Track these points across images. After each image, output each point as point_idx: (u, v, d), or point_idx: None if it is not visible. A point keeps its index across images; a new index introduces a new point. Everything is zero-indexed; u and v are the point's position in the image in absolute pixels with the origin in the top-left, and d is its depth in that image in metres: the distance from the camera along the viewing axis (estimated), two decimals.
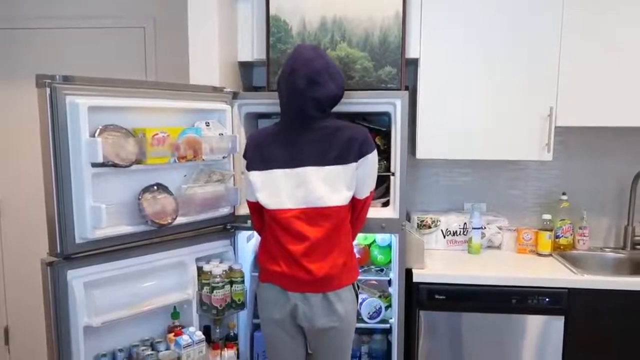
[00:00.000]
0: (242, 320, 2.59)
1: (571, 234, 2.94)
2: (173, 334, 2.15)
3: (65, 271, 1.87)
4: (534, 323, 2.50)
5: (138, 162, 1.96)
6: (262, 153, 2.11)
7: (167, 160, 2.04)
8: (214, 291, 2.25)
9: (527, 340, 2.52)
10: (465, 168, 3.10)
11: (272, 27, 2.62)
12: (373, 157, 2.11)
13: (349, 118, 2.33)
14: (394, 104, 2.36)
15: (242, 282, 2.35)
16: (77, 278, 1.89)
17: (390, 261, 2.63)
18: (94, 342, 1.98)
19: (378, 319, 2.62)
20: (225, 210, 2.37)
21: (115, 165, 1.88)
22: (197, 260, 2.28)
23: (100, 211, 1.84)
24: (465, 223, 2.93)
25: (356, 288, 2.18)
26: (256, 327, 2.73)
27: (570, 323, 2.48)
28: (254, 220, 2.29)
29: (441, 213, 3.01)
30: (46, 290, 1.86)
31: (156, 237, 2.10)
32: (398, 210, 2.42)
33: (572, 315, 2.48)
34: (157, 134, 1.98)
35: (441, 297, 2.53)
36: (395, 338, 2.49)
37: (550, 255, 2.83)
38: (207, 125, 2.26)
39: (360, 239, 2.72)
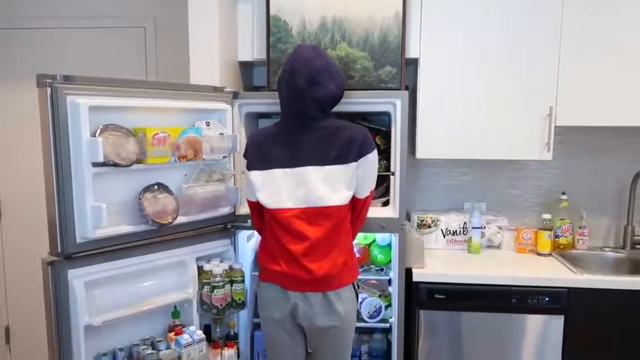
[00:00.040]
0: (242, 320, 2.59)
1: (571, 234, 2.94)
2: (173, 333, 2.15)
3: (66, 270, 1.87)
4: (534, 322, 2.51)
5: (139, 161, 1.96)
6: (263, 153, 2.11)
7: (167, 159, 2.05)
8: (215, 290, 2.25)
9: (526, 339, 2.53)
10: (465, 168, 3.10)
11: (273, 27, 2.63)
12: (373, 156, 2.11)
13: (349, 118, 2.33)
14: (394, 104, 2.36)
15: (243, 281, 2.35)
16: (78, 277, 1.89)
17: (390, 260, 2.63)
18: (94, 341, 1.99)
19: (378, 319, 2.62)
20: (225, 210, 2.37)
21: (115, 165, 1.89)
22: (198, 259, 2.29)
23: (101, 211, 1.84)
24: (465, 222, 2.94)
25: (356, 287, 2.18)
26: (256, 327, 2.74)
27: (570, 322, 2.49)
28: (254, 220, 2.29)
29: (441, 212, 3.01)
30: (47, 289, 1.86)
31: (157, 236, 2.10)
32: (398, 209, 2.42)
33: (572, 315, 2.48)
34: (157, 134, 1.99)
35: (441, 296, 2.53)
36: (395, 337, 2.49)
37: (550, 254, 2.84)
38: (208, 125, 2.26)
39: (360, 239, 2.72)
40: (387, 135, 2.55)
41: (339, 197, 2.06)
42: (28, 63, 3.28)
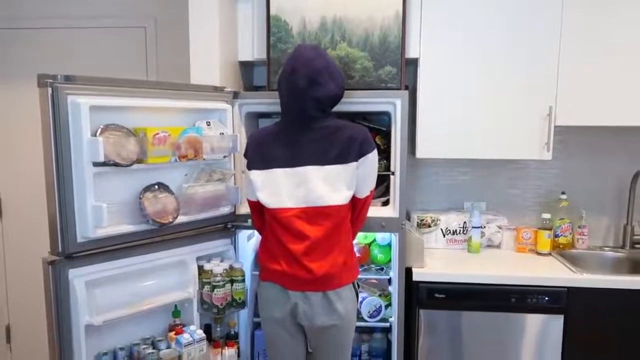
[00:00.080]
0: (242, 319, 2.59)
1: (570, 233, 2.95)
2: (174, 332, 2.15)
3: (67, 270, 1.87)
4: (534, 322, 2.51)
5: (139, 161, 1.97)
6: (263, 152, 2.12)
7: (168, 159, 2.05)
8: (215, 290, 2.26)
9: (526, 338, 2.53)
10: (465, 167, 3.10)
11: (273, 27, 2.63)
12: (373, 156, 2.11)
13: (349, 117, 2.34)
14: (394, 104, 2.37)
15: (243, 281, 2.36)
16: (79, 277, 1.89)
17: (390, 260, 2.64)
18: (95, 340, 1.99)
19: (378, 318, 2.63)
20: (225, 210, 2.37)
21: (116, 165, 1.89)
22: (198, 259, 2.29)
23: (102, 210, 1.85)
24: (465, 222, 2.94)
25: (356, 287, 2.18)
26: (257, 326, 2.75)
27: (570, 322, 2.49)
28: (254, 220, 2.30)
29: (441, 212, 3.02)
30: (48, 289, 1.87)
31: (157, 236, 2.11)
32: (398, 209, 2.42)
33: (572, 314, 2.49)
34: (158, 134, 1.99)
35: (441, 295, 2.54)
36: (395, 337, 2.50)
37: (550, 254, 2.84)
38: (208, 125, 2.27)
39: (361, 238, 2.73)
40: (387, 135, 2.55)
41: (339, 196, 2.06)
42: (28, 63, 3.28)
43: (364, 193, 2.15)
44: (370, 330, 2.85)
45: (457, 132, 2.68)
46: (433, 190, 3.14)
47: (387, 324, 2.63)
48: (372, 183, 2.17)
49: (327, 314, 2.08)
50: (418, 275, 2.54)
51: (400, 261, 2.45)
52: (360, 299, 2.48)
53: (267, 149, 2.12)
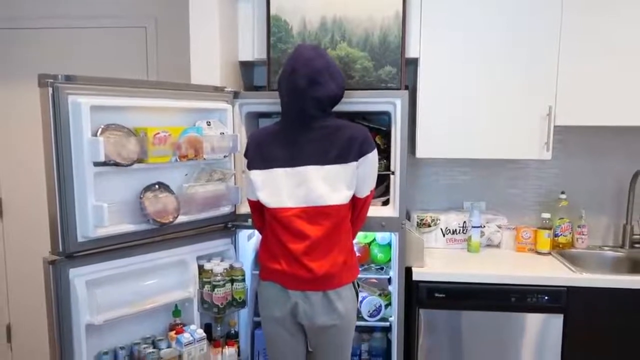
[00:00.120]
0: (242, 319, 2.60)
1: (570, 233, 2.95)
2: (174, 332, 2.16)
3: (68, 269, 1.88)
4: (533, 321, 2.52)
5: (139, 161, 1.97)
6: (263, 152, 2.12)
7: (168, 159, 2.05)
8: (215, 289, 2.26)
9: (526, 338, 2.53)
10: (464, 167, 3.11)
11: (273, 27, 2.63)
12: (373, 156, 2.12)
13: (349, 117, 2.34)
14: (393, 104, 2.37)
15: (243, 280, 2.36)
16: (79, 276, 1.90)
17: (390, 259, 2.64)
18: (95, 340, 2.00)
19: (378, 317, 2.63)
20: (226, 209, 2.38)
21: (117, 165, 1.89)
22: (198, 258, 2.30)
23: (102, 210, 1.85)
24: (464, 222, 2.94)
25: (356, 286, 2.19)
26: (257, 325, 2.75)
27: (569, 321, 2.50)
28: (254, 219, 2.30)
29: (441, 212, 3.02)
30: (48, 288, 1.87)
31: (158, 235, 2.11)
32: (398, 209, 2.43)
33: (571, 313, 2.49)
34: (158, 133, 1.99)
35: (441, 295, 2.54)
36: (395, 336, 2.50)
37: (549, 253, 2.85)
38: (208, 125, 2.27)
39: (361, 238, 2.73)
40: (387, 135, 2.55)
41: (339, 196, 2.07)
42: (29, 63, 3.29)
43: (364, 193, 2.15)
44: (370, 330, 2.85)
45: (457, 131, 2.69)
46: (433, 190, 3.15)
47: (387, 324, 2.63)
48: (372, 183, 2.17)
49: (327, 313, 2.08)
50: (418, 274, 2.54)
51: (400, 261, 2.46)
52: (360, 299, 2.48)
53: (267, 149, 2.12)
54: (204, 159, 2.20)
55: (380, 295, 2.69)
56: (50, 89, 1.78)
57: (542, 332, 2.52)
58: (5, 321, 3.52)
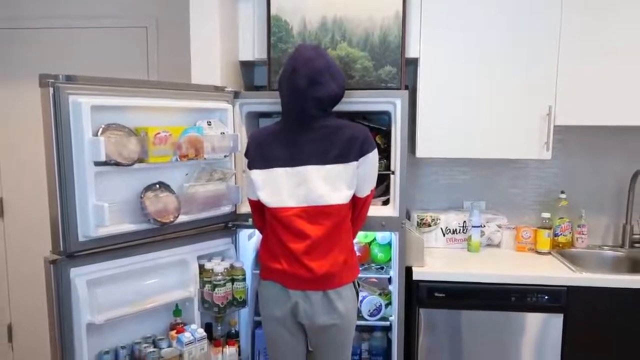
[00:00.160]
0: (243, 318, 2.60)
1: (570, 232, 2.96)
2: (175, 331, 2.16)
3: (68, 269, 1.88)
4: (533, 320, 2.52)
5: (140, 160, 1.97)
6: (264, 152, 2.13)
7: (169, 159, 2.06)
8: (216, 289, 2.26)
9: (526, 337, 2.54)
10: (464, 167, 3.11)
11: (273, 27, 2.64)
12: (373, 156, 2.12)
13: (349, 117, 2.35)
14: (394, 103, 2.37)
15: (244, 280, 2.36)
16: (80, 276, 1.90)
17: (390, 259, 2.65)
18: (96, 339, 2.00)
19: (378, 317, 2.63)
20: (226, 209, 2.38)
21: (117, 164, 1.90)
22: (199, 258, 2.30)
23: (103, 210, 1.85)
24: (464, 221, 2.95)
25: (356, 286, 2.19)
26: (257, 325, 2.75)
27: (569, 320, 2.50)
28: (255, 219, 2.30)
29: (441, 211, 3.03)
30: (49, 288, 1.87)
31: (158, 235, 2.11)
32: (398, 208, 2.43)
33: (571, 313, 2.49)
34: (159, 133, 2.00)
35: (441, 294, 2.55)
36: (395, 335, 2.50)
37: (549, 253, 2.85)
38: (209, 124, 2.27)
39: (361, 237, 2.73)
40: (387, 135, 2.56)
41: (340, 196, 2.07)
42: (30, 63, 3.29)
43: (364, 192, 2.16)
44: (371, 329, 2.85)
45: (457, 131, 2.69)
46: (433, 190, 3.15)
47: (387, 323, 2.64)
48: (372, 182, 2.18)
49: (327, 313, 2.09)
50: (418, 274, 2.55)
51: (401, 260, 2.46)
52: (360, 298, 2.49)
53: (267, 149, 2.12)
54: (205, 158, 2.20)
55: (380, 294, 2.69)
56: (51, 89, 1.78)
57: (542, 331, 2.52)
58: (7, 321, 3.52)
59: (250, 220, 2.37)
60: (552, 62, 2.61)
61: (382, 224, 2.43)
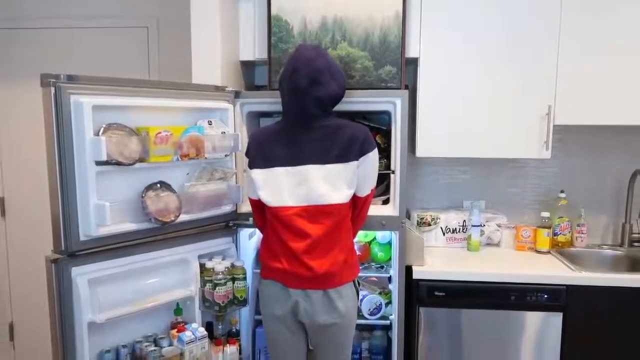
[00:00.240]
0: (244, 317, 2.61)
1: (569, 232, 2.96)
2: (176, 330, 2.17)
3: (70, 268, 1.89)
4: (533, 319, 2.53)
5: (141, 160, 1.98)
6: (264, 151, 2.13)
7: (170, 158, 2.06)
8: (217, 288, 2.27)
9: (525, 336, 2.55)
10: (464, 166, 3.12)
11: (274, 27, 2.64)
12: (374, 155, 2.13)
13: (349, 117, 2.35)
14: (394, 103, 2.38)
15: (244, 278, 2.37)
16: (82, 275, 1.91)
17: (390, 258, 2.65)
18: (97, 338, 2.01)
19: (378, 316, 2.64)
20: (227, 208, 2.39)
21: (118, 164, 1.90)
22: (200, 257, 2.31)
23: (105, 209, 1.86)
24: (464, 220, 2.96)
25: (357, 285, 2.20)
26: (258, 324, 2.76)
27: (569, 319, 2.51)
28: (255, 218, 2.31)
29: (441, 211, 3.03)
30: (51, 287, 1.88)
31: (159, 234, 2.12)
32: (398, 207, 2.44)
33: (570, 312, 2.50)
34: (160, 133, 2.00)
35: (441, 293, 2.55)
36: (396, 334, 2.51)
37: (549, 252, 2.85)
38: (210, 124, 2.28)
39: (361, 236, 2.74)
40: (387, 134, 2.56)
41: (340, 195, 2.07)
42: (31, 63, 3.30)
43: (364, 192, 2.16)
44: (371, 328, 2.86)
45: (457, 131, 2.70)
46: (433, 189, 3.16)
47: (388, 322, 2.64)
48: (372, 182, 2.18)
49: (327, 312, 2.09)
50: (418, 273, 2.56)
51: (401, 259, 2.47)
52: (360, 297, 2.49)
53: (268, 148, 2.13)
54: (206, 158, 2.21)
55: (380, 293, 2.70)
56: (52, 89, 1.79)
57: (541, 330, 2.53)
58: (8, 319, 3.53)
59: (251, 219, 2.38)
60: (552, 61, 2.62)
61: (382, 223, 2.44)
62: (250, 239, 2.71)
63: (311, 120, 2.09)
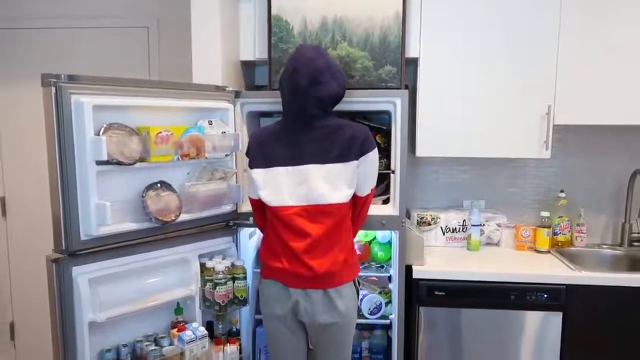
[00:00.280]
0: (244, 316, 2.61)
1: (569, 231, 2.97)
2: (176, 329, 2.17)
3: (70, 268, 1.89)
4: (533, 319, 2.53)
5: (142, 160, 1.98)
6: (264, 151, 2.14)
7: (170, 158, 2.07)
8: (217, 287, 2.27)
9: (525, 335, 2.55)
10: (464, 166, 3.12)
11: (274, 27, 2.65)
12: (374, 155, 2.13)
13: (349, 116, 2.36)
14: (394, 103, 2.38)
15: (245, 278, 2.37)
16: (82, 274, 1.91)
17: (390, 258, 2.65)
18: (98, 337, 2.01)
19: (378, 315, 2.64)
20: (227, 208, 2.39)
21: (119, 163, 1.91)
22: (200, 256, 2.31)
23: (105, 209, 1.86)
24: (464, 220, 2.96)
25: (357, 284, 2.20)
26: (258, 323, 2.76)
27: (568, 319, 2.51)
28: (256, 217, 2.31)
29: (441, 210, 3.04)
30: (51, 286, 1.88)
31: (160, 234, 2.12)
32: (398, 207, 2.44)
33: (570, 311, 2.50)
34: (160, 132, 2.01)
35: (441, 293, 2.56)
36: (396, 333, 2.51)
37: (549, 251, 2.86)
38: (210, 124, 2.28)
39: (361, 236, 2.74)
40: (387, 134, 2.57)
41: (340, 195, 2.08)
42: (32, 63, 3.30)
43: (364, 191, 2.17)
44: (371, 327, 2.87)
45: (457, 130, 2.70)
46: (433, 189, 3.16)
47: (388, 321, 2.64)
48: (372, 181, 2.19)
49: (327, 311, 2.10)
50: (418, 272, 2.56)
51: (401, 259, 2.47)
52: (360, 297, 2.49)
53: (268, 148, 2.13)
54: (206, 157, 2.21)
55: (380, 293, 2.70)
56: (53, 89, 1.79)
57: (541, 329, 2.53)
58: (9, 319, 3.53)
59: (251, 219, 2.39)
60: (552, 61, 2.62)
61: (382, 222, 2.44)
62: (251, 238, 2.71)
63: (311, 120, 2.09)
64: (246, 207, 2.41)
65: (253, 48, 2.76)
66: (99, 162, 1.87)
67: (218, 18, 2.46)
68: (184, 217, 2.16)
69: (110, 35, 3.26)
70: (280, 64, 2.57)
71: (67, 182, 1.84)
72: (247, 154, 2.20)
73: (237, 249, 2.49)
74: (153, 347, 2.09)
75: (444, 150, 2.73)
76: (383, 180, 2.53)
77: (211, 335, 2.34)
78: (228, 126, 2.35)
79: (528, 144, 2.68)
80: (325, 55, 2.10)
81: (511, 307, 2.53)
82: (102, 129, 1.89)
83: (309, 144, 2.09)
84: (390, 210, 2.46)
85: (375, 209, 2.42)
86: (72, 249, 1.88)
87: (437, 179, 3.15)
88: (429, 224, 2.97)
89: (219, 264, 2.30)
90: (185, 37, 2.52)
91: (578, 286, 2.49)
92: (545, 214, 2.89)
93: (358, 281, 2.22)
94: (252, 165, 2.16)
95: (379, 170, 2.26)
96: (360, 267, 2.31)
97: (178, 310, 2.24)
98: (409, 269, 2.55)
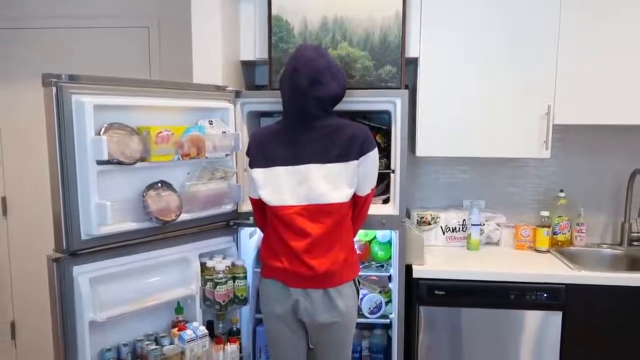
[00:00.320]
0: (244, 316, 2.61)
1: (569, 231, 2.97)
2: (177, 328, 2.18)
3: (71, 267, 1.89)
4: (532, 318, 2.53)
5: (142, 159, 1.99)
6: (265, 151, 2.14)
7: (171, 158, 2.07)
8: (217, 287, 2.28)
9: (525, 335, 2.55)
10: (464, 165, 3.12)
11: (274, 27, 2.65)
12: (374, 155, 2.13)
13: (349, 116, 2.36)
14: (394, 103, 2.39)
15: (245, 277, 2.38)
16: (83, 274, 1.91)
17: (390, 257, 2.66)
18: (99, 337, 2.01)
19: (378, 314, 2.64)
20: (228, 207, 2.40)
21: (120, 163, 1.91)
22: (201, 256, 2.31)
23: (106, 208, 1.87)
24: (464, 220, 2.96)
25: (357, 284, 2.20)
26: (258, 322, 2.77)
27: (568, 318, 2.51)
28: (256, 217, 2.32)
29: (440, 210, 3.04)
30: (52, 286, 1.89)
31: (160, 233, 2.13)
32: (398, 207, 2.44)
33: (570, 311, 2.51)
34: (161, 132, 2.01)
35: (441, 292, 2.56)
36: (396, 333, 2.52)
37: (548, 251, 2.86)
38: (210, 124, 2.29)
39: (361, 235, 2.74)
40: (387, 134, 2.57)
41: (340, 194, 2.08)
42: (33, 62, 3.30)
43: (364, 191, 2.17)
44: (371, 327, 2.87)
45: (457, 130, 2.70)
46: (433, 188, 3.16)
47: (388, 321, 2.65)
48: (372, 181, 2.19)
49: (328, 310, 2.10)
50: (418, 272, 2.56)
51: (401, 258, 2.47)
52: (360, 296, 2.49)
53: (268, 148, 2.14)
54: (206, 157, 2.21)
55: (380, 292, 2.71)
56: (54, 89, 1.79)
57: (541, 329, 2.53)
58: (10, 318, 3.54)
59: (252, 218, 2.39)
60: (551, 61, 2.63)
61: (383, 222, 2.44)
62: (251, 238, 2.72)
63: (312, 120, 2.10)
64: (246, 207, 2.41)
65: (253, 48, 2.76)
66: (99, 162, 1.87)
67: (218, 18, 2.46)
68: (184, 216, 2.16)
69: (111, 35, 3.27)
70: (281, 64, 2.57)
71: (67, 182, 1.84)
72: (248, 153, 2.21)
73: (237, 249, 2.49)
74: (154, 347, 2.10)
75: (444, 150, 2.74)
76: (383, 179, 2.54)
77: (211, 334, 2.34)
78: (228, 126, 2.35)
79: (528, 143, 2.68)
80: (326, 56, 2.10)
81: (511, 307, 2.53)
82: (103, 129, 1.89)
83: (309, 144, 2.09)
84: (390, 209, 2.46)
85: (375, 209, 2.42)
86: (72, 249, 1.88)
87: (437, 178, 3.16)
88: (429, 224, 2.97)
89: (220, 264, 2.31)
90: (186, 37, 2.52)
91: (578, 286, 2.49)
92: (545, 213, 2.89)
93: (358, 280, 2.22)
94: (253, 164, 2.16)
95: (379, 170, 2.26)
96: (361, 266, 2.31)
97: (178, 309, 2.24)
98: (409, 269, 2.56)
